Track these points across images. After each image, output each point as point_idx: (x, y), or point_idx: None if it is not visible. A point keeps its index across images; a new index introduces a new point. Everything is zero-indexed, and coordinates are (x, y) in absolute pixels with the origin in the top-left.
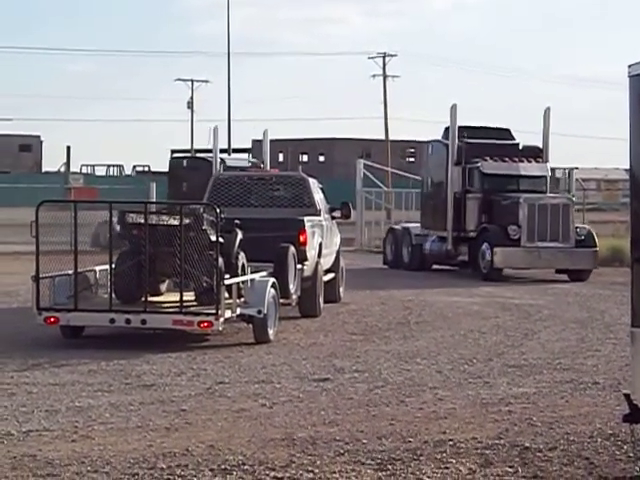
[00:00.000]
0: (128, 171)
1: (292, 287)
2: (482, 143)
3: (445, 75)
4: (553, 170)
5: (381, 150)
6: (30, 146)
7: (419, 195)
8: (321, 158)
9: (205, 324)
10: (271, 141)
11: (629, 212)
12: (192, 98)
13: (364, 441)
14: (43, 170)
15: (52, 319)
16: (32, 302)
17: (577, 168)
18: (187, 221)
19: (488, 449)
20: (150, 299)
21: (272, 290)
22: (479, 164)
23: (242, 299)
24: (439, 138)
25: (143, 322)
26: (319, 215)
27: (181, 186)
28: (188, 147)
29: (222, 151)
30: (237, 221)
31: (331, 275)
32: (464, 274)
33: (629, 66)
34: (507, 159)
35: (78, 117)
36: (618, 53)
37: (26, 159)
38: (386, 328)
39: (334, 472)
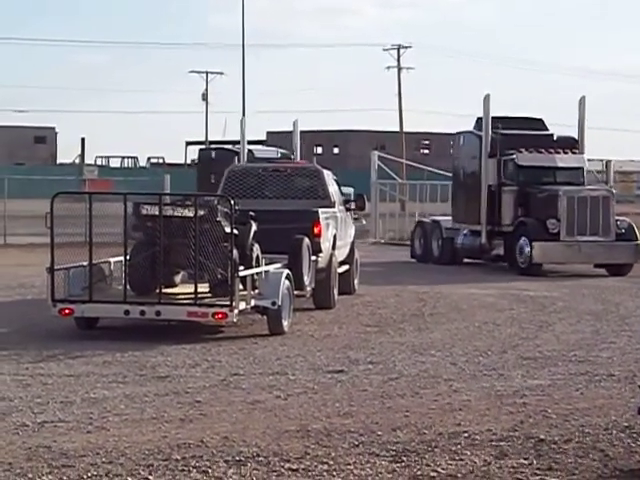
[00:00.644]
0: (143, 163)
1: (306, 279)
2: (516, 134)
3: (459, 67)
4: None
5: (395, 142)
6: (45, 138)
7: (433, 187)
8: (335, 150)
9: (219, 316)
10: (286, 133)
11: None
12: (207, 90)
13: (379, 433)
14: (58, 162)
15: (67, 310)
16: (47, 294)
17: (610, 161)
18: (202, 213)
19: (503, 441)
20: (164, 291)
21: (286, 282)
22: (514, 156)
23: (256, 291)
24: (470, 129)
25: (157, 314)
26: (333, 207)
27: (209, 177)
28: (203, 139)
29: (249, 143)
30: (251, 213)
31: (345, 267)
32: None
33: None
34: (543, 150)
35: (93, 109)
36: (634, 44)
37: (41, 151)
38: (400, 320)
39: (349, 464)
